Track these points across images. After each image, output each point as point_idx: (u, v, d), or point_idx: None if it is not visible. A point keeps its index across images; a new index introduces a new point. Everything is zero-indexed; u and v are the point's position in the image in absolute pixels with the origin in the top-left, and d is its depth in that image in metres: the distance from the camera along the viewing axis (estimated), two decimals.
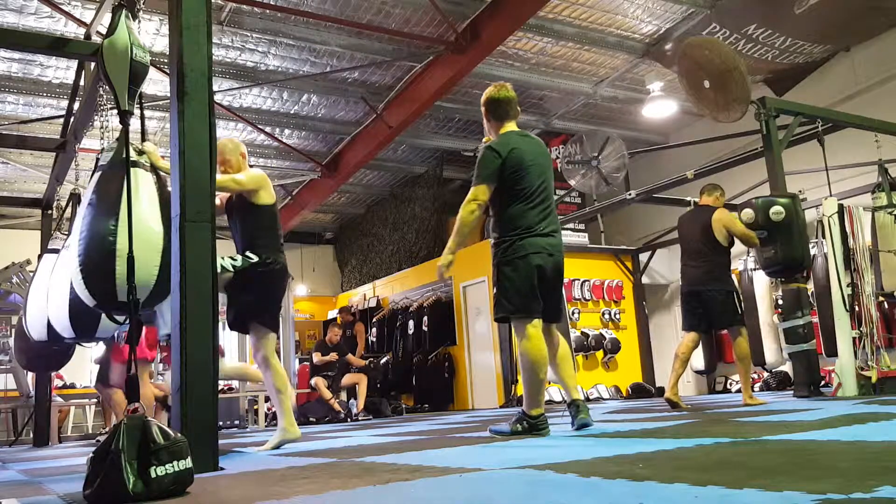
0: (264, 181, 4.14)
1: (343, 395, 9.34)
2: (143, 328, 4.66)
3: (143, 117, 3.52)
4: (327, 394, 8.83)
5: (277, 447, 3.96)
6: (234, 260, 3.94)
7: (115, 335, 5.04)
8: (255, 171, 4.22)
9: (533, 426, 3.55)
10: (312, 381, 9.04)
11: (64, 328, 3.96)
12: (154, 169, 3.34)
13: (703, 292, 5.53)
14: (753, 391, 8.67)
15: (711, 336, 6.00)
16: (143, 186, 3.19)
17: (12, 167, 10.05)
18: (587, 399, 9.93)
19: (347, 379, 9.19)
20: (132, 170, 3.18)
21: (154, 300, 3.21)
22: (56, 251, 4.88)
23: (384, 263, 13.49)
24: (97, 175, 3.30)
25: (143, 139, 3.49)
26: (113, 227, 3.07)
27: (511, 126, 3.84)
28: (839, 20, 8.08)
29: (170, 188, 3.42)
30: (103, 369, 6.38)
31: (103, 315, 3.60)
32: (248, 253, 3.98)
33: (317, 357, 9.14)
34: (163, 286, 3.10)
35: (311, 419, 8.82)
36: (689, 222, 5.84)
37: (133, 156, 3.20)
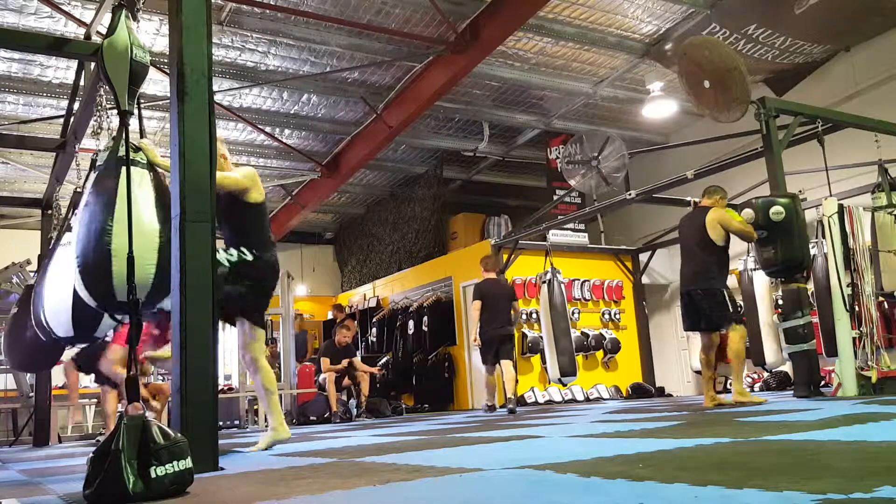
0: (255, 179, 4.14)
1: (343, 395, 9.33)
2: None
3: (140, 116, 3.51)
4: (334, 393, 8.82)
5: (269, 447, 4.00)
6: (231, 255, 3.96)
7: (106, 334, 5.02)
8: (246, 168, 4.21)
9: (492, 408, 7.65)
10: (322, 378, 9.01)
11: (63, 328, 3.94)
12: (151, 166, 3.33)
13: (692, 292, 5.57)
14: (753, 391, 8.70)
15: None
16: (138, 184, 3.16)
17: (12, 167, 10.05)
18: (587, 399, 9.97)
19: (350, 379, 9.18)
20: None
21: (154, 298, 3.19)
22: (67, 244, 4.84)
23: (384, 263, 13.48)
24: (93, 175, 3.29)
25: (142, 136, 3.49)
26: (109, 227, 3.04)
27: (487, 275, 7.88)
28: (839, 20, 8.08)
29: (168, 184, 3.42)
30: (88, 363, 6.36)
31: (105, 315, 3.59)
32: (242, 248, 3.99)
33: (325, 363, 9.06)
34: (161, 284, 3.08)
35: (311, 418, 8.82)
36: (687, 224, 5.87)
37: (129, 154, 3.19)
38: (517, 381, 7.75)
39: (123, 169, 3.16)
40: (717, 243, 5.52)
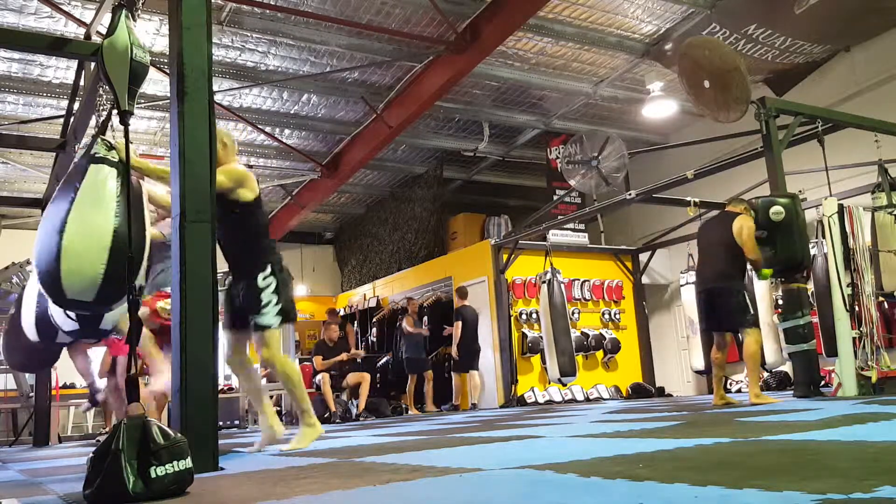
0: (244, 177, 3.78)
1: (343, 395, 9.32)
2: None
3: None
4: (329, 393, 8.81)
5: (308, 445, 3.88)
6: (276, 303, 3.76)
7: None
8: (235, 166, 3.88)
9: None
10: (317, 379, 9.01)
11: (65, 321, 3.91)
12: (121, 164, 3.21)
13: (712, 289, 5.59)
14: None
15: (711, 336, 6.05)
16: (104, 181, 3.11)
17: (12, 167, 10.05)
18: (587, 399, 9.97)
19: (351, 378, 9.17)
20: (94, 165, 3.13)
21: (105, 300, 3.12)
22: None
23: (384, 263, 13.48)
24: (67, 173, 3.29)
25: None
26: (64, 225, 3.01)
27: (462, 302, 9.83)
28: (839, 20, 8.08)
29: (145, 184, 3.40)
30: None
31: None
32: (260, 277, 3.75)
33: (318, 361, 9.09)
34: (113, 285, 3.02)
35: None
36: (711, 226, 5.95)
37: (102, 151, 3.17)
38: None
39: (91, 166, 3.15)
40: (740, 246, 5.57)
